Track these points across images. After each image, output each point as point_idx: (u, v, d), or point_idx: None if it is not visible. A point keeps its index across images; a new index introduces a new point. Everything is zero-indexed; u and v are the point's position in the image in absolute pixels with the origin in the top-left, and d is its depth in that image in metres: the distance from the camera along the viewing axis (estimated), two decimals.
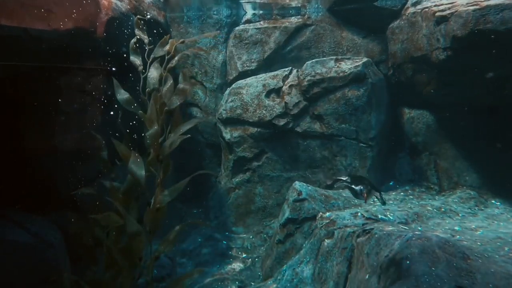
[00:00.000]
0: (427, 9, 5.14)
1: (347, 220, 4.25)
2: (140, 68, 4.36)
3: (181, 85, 4.31)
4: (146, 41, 4.43)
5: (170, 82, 4.32)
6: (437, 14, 4.86)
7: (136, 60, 4.38)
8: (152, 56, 4.47)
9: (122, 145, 3.96)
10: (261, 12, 6.73)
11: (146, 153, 4.10)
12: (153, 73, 4.29)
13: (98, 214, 3.71)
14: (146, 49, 4.50)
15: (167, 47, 4.44)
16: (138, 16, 4.44)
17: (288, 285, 4.28)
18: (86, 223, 3.75)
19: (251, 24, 6.60)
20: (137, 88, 4.39)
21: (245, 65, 6.39)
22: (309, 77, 5.56)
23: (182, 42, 4.55)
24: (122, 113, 4.30)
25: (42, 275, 3.57)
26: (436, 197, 5.33)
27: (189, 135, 4.16)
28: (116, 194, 3.86)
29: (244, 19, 6.76)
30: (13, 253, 3.51)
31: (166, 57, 4.41)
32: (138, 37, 4.48)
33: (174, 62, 4.38)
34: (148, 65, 4.39)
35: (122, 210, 3.67)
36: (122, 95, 4.18)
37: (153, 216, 3.87)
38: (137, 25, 4.42)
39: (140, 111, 4.18)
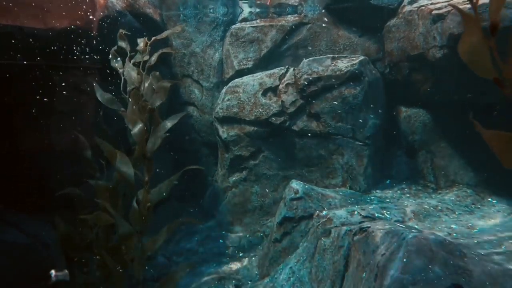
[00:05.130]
0: (423, 8, 5.13)
1: (344, 218, 4.24)
2: (121, 70, 4.36)
3: (161, 83, 4.30)
4: (128, 49, 4.43)
5: (149, 81, 4.31)
6: (434, 12, 4.86)
7: (116, 64, 4.38)
8: (133, 59, 4.46)
9: (107, 144, 3.94)
10: (257, 10, 6.71)
11: (132, 152, 4.10)
12: (130, 73, 4.28)
13: (89, 214, 3.70)
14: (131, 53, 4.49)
15: (141, 46, 4.42)
16: (121, 30, 4.43)
17: (285, 283, 4.27)
18: (78, 223, 3.73)
19: (247, 23, 6.58)
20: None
21: (241, 64, 6.37)
22: (305, 76, 5.54)
23: (154, 40, 4.52)
24: (102, 112, 4.30)
25: (38, 275, 3.55)
26: (433, 195, 5.34)
27: (168, 134, 4.16)
28: (103, 194, 3.85)
29: (240, 17, 6.74)
30: (9, 253, 3.49)
31: (143, 57, 4.39)
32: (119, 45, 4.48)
33: (152, 61, 4.37)
34: (126, 65, 4.38)
35: (112, 211, 3.65)
36: (103, 95, 4.18)
37: (143, 215, 3.86)
38: (120, 37, 4.42)
39: (122, 109, 4.18)
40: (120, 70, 4.35)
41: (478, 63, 1.01)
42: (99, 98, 4.16)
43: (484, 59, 1.00)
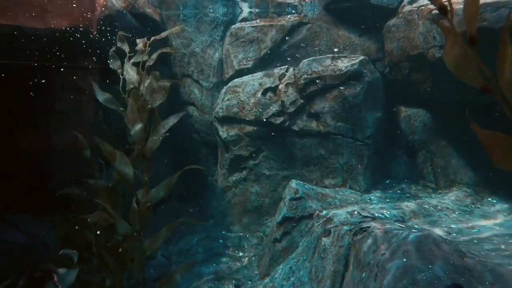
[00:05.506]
0: (423, 7, 5.13)
1: (344, 218, 4.24)
2: (119, 71, 4.36)
3: (160, 83, 4.30)
4: (127, 50, 4.43)
5: (148, 80, 4.31)
6: (434, 12, 4.86)
7: (115, 64, 4.39)
8: (133, 59, 4.47)
9: (107, 144, 3.94)
10: (257, 10, 6.71)
11: (131, 151, 4.10)
12: (130, 72, 4.29)
13: (89, 214, 3.70)
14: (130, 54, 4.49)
15: (140, 46, 4.43)
16: (120, 32, 4.44)
17: (285, 283, 4.26)
18: (78, 223, 3.73)
19: (247, 22, 6.58)
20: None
21: (241, 64, 6.37)
22: (305, 76, 5.54)
23: (154, 40, 4.52)
24: (103, 112, 4.30)
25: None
26: (433, 195, 5.33)
27: (168, 134, 4.16)
28: (103, 193, 3.85)
29: (240, 17, 6.74)
30: (9, 253, 3.48)
31: (142, 57, 4.39)
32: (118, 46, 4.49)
33: (151, 61, 4.38)
34: (125, 65, 4.38)
35: (111, 211, 3.65)
36: (102, 95, 4.18)
37: (142, 215, 3.86)
38: (119, 39, 4.43)
39: (121, 109, 4.18)
40: (119, 71, 4.35)
41: (465, 73, 1.04)
42: (98, 98, 4.17)
43: (471, 68, 1.02)
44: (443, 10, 1.11)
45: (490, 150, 1.01)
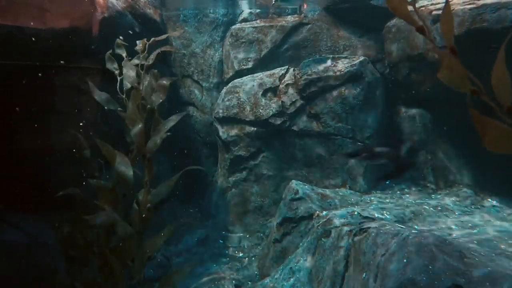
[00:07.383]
0: (423, 8, 5.14)
1: (344, 219, 4.25)
2: (117, 72, 4.35)
3: (160, 82, 4.29)
4: (124, 55, 4.43)
5: (148, 80, 4.30)
6: (434, 12, 4.86)
7: (112, 66, 4.39)
8: (132, 61, 4.46)
9: (106, 145, 3.93)
10: (257, 11, 6.71)
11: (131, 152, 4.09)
12: (129, 72, 4.27)
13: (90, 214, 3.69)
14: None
15: (140, 46, 4.42)
16: (119, 39, 4.44)
17: (285, 284, 4.27)
18: (79, 223, 3.73)
19: (247, 23, 6.58)
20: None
21: (241, 64, 6.37)
22: (305, 76, 5.55)
23: (153, 41, 4.53)
24: (102, 113, 4.29)
25: (36, 275, 3.55)
26: (433, 195, 5.34)
27: (170, 133, 4.15)
28: (103, 194, 3.84)
29: (240, 18, 6.74)
30: (7, 252, 3.48)
31: (141, 58, 4.38)
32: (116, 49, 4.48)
33: (150, 60, 4.38)
34: (124, 65, 4.37)
35: (112, 212, 3.65)
36: (100, 95, 4.17)
37: (143, 216, 3.86)
38: (117, 45, 4.44)
39: (119, 109, 4.18)
40: (116, 72, 4.35)
41: (455, 82, 1.18)
42: (96, 98, 4.16)
43: (462, 78, 1.17)
44: (422, 30, 1.28)
45: (483, 134, 1.14)
